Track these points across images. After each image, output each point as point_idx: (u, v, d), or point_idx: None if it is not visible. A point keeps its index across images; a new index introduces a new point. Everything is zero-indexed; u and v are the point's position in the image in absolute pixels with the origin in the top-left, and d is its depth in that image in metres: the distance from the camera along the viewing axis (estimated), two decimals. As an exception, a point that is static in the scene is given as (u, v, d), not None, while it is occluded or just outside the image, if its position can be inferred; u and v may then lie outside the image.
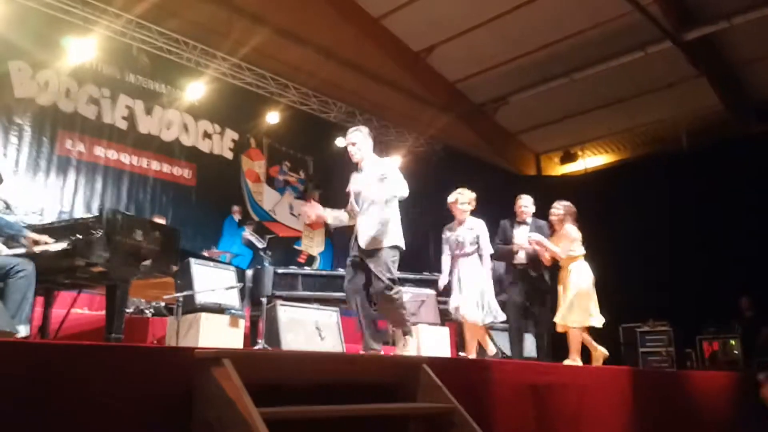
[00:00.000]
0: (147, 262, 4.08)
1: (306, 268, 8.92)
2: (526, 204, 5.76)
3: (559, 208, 5.37)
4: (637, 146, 12.02)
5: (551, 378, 3.70)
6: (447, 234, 5.41)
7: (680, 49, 9.24)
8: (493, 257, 5.47)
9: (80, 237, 3.83)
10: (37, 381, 1.87)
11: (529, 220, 5.75)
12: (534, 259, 5.51)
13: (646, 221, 9.94)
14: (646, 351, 8.94)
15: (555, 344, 5.42)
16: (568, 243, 5.23)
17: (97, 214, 4.05)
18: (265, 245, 7.53)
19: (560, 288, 5.30)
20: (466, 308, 5.12)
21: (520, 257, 5.56)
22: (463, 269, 5.23)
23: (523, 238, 5.60)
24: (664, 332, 8.91)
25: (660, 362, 8.76)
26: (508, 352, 6.12)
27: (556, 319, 5.16)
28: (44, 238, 3.91)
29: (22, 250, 3.89)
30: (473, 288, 5.14)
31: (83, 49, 7.74)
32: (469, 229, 5.29)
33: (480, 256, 5.26)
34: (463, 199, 5.39)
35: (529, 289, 5.52)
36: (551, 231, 5.45)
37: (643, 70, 9.83)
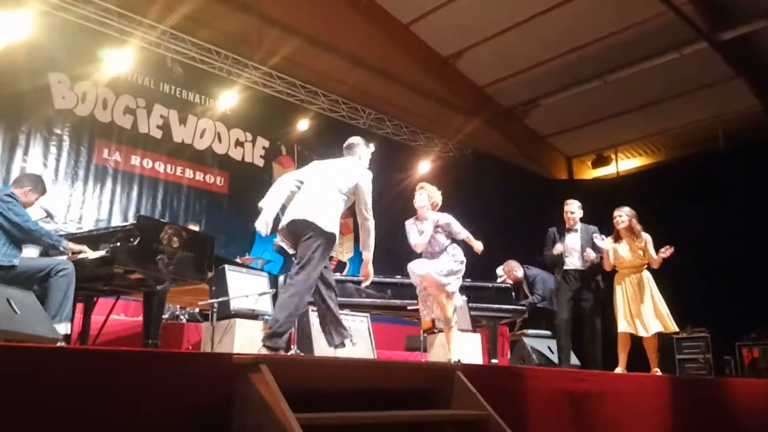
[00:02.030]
0: (183, 269, 4.15)
1: (336, 274, 8.94)
2: (572, 210, 5.63)
3: (623, 215, 5.26)
4: (672, 149, 11.80)
5: (588, 385, 3.65)
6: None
7: (716, 50, 9.05)
8: (545, 264, 5.43)
9: (118, 245, 3.92)
10: (78, 387, 1.90)
11: (578, 226, 5.64)
12: (593, 267, 5.46)
13: (681, 225, 9.72)
14: (683, 358, 8.76)
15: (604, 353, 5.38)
16: (653, 249, 5.19)
17: (134, 222, 4.13)
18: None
19: (622, 294, 5.22)
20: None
21: (573, 263, 5.49)
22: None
23: (575, 244, 5.53)
24: (701, 339, 8.72)
25: (697, 369, 8.57)
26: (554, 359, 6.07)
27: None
28: (82, 248, 4.01)
29: (63, 258, 4.00)
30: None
31: (119, 60, 7.93)
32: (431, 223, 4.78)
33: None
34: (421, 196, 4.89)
35: (584, 296, 5.45)
36: (615, 238, 5.33)
37: (677, 72, 9.66)
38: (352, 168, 4.05)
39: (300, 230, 3.78)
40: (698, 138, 11.23)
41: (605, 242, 5.29)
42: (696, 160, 10.70)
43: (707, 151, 10.83)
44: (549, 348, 6.22)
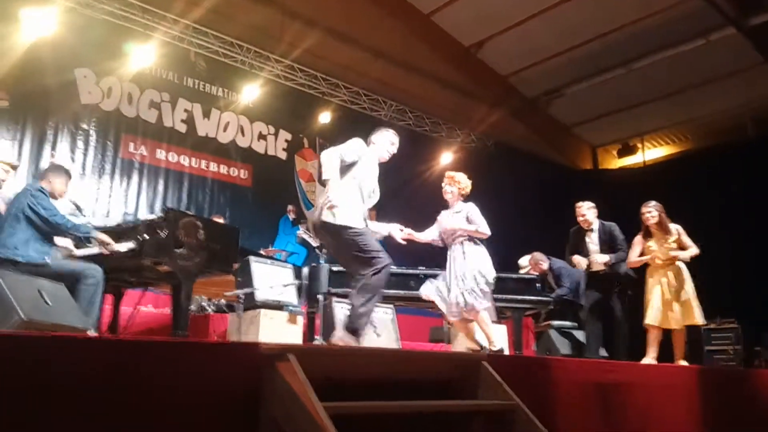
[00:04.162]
0: (209, 261, 4.19)
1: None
2: (582, 213, 5.56)
3: (652, 210, 5.15)
4: (700, 137, 11.58)
5: (617, 376, 3.61)
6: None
7: (744, 35, 8.86)
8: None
9: (146, 237, 3.97)
10: (108, 376, 1.93)
11: (595, 225, 5.57)
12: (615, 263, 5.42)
13: (710, 215, 9.56)
14: (712, 349, 8.61)
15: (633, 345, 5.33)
16: (688, 238, 5.10)
17: (161, 215, 4.18)
18: (319, 243, 7.61)
19: (658, 288, 5.14)
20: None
21: (597, 260, 5.44)
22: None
23: (593, 245, 5.48)
24: (731, 330, 8.57)
25: (727, 361, 8.43)
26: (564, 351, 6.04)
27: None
28: (110, 239, 4.07)
29: (93, 251, 4.05)
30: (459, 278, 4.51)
31: (144, 55, 8.02)
32: (456, 213, 4.64)
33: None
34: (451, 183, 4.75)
35: (611, 291, 5.41)
36: (645, 235, 5.21)
37: (704, 58, 9.47)
38: None
39: None
40: (726, 126, 11.00)
41: (633, 255, 5.20)
42: (724, 149, 10.48)
43: (736, 139, 10.61)
44: (575, 339, 6.18)
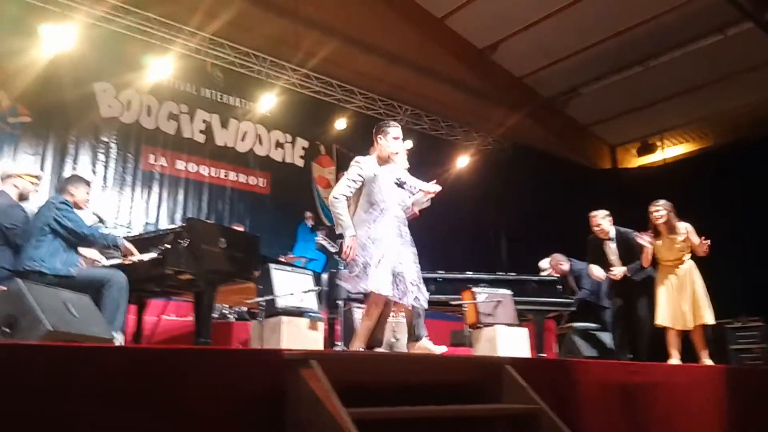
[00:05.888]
0: (231, 269, 4.23)
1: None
2: (597, 223, 5.55)
3: (660, 209, 5.12)
4: (720, 133, 11.43)
5: (641, 378, 3.57)
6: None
7: (762, 30, 8.75)
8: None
9: (169, 247, 4.02)
10: (137, 383, 1.96)
11: (612, 233, 5.56)
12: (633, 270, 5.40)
13: (734, 211, 9.44)
14: (737, 348, 8.49)
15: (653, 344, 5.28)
16: (697, 236, 5.05)
17: (183, 224, 4.23)
18: (337, 249, 7.61)
19: (666, 288, 5.10)
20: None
21: (615, 274, 5.42)
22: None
23: (612, 254, 5.47)
24: (756, 328, 8.44)
25: (753, 359, 8.31)
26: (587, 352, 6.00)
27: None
28: (135, 249, 4.13)
29: (116, 261, 4.11)
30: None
31: (161, 67, 8.11)
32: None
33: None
34: None
35: (634, 294, 5.40)
36: (654, 234, 5.19)
37: (723, 54, 9.38)
38: None
39: None
40: (747, 122, 10.85)
41: (645, 239, 5.16)
42: (745, 144, 10.34)
43: (757, 135, 10.46)
44: (597, 341, 6.12)
